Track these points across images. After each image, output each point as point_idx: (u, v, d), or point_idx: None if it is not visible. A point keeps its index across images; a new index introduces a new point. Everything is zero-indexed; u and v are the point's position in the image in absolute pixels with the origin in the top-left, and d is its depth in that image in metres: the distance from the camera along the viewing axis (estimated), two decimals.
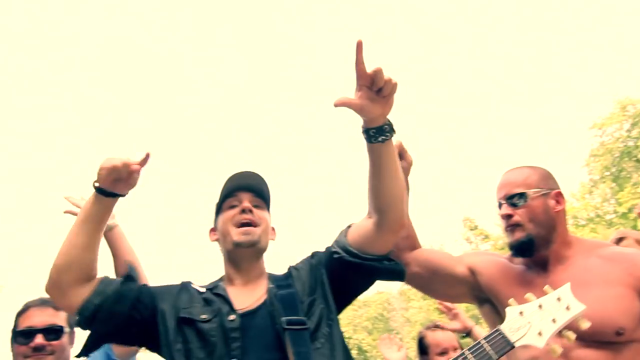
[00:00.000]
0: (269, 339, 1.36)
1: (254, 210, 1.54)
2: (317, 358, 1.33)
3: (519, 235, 1.58)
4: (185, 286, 1.53)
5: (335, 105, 1.23)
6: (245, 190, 1.56)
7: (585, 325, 1.25)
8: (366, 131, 1.30)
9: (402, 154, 1.68)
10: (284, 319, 1.36)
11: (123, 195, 1.42)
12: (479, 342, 1.26)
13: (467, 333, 2.51)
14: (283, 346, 1.33)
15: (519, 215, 1.59)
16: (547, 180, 1.65)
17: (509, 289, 1.56)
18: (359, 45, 1.17)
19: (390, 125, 1.30)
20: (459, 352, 2.32)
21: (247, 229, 1.50)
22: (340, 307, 1.49)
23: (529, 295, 1.30)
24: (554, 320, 1.23)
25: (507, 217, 1.60)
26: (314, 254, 1.56)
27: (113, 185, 1.38)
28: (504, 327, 1.25)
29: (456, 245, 27.98)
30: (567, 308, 1.24)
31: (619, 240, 2.54)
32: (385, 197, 1.36)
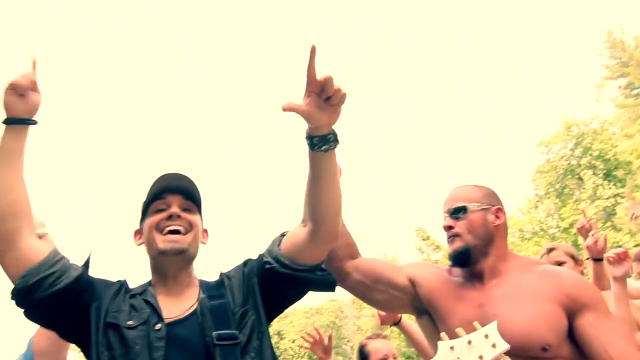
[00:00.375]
0: (196, 351, 1.32)
1: (183, 215, 1.46)
2: None
3: (457, 245, 1.63)
4: (120, 287, 1.46)
5: (283, 110, 1.21)
6: (175, 193, 1.48)
7: None
8: (310, 138, 1.28)
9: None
10: (214, 333, 1.32)
11: (35, 122, 1.34)
12: None
13: (397, 322, 2.61)
14: (210, 358, 1.29)
15: (458, 227, 1.64)
16: (489, 197, 1.71)
17: (446, 301, 1.61)
18: (313, 51, 1.16)
19: (334, 135, 1.29)
20: None
21: (174, 237, 1.42)
22: (271, 318, 1.46)
23: (459, 330, 1.34)
24: (480, 357, 1.29)
25: (448, 228, 1.66)
26: (246, 262, 1.51)
27: (21, 107, 1.31)
28: None
29: (409, 254, 28.56)
30: (493, 346, 1.30)
31: (550, 251, 2.67)
32: (322, 207, 1.34)
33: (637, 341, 1.65)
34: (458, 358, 1.29)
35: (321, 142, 1.28)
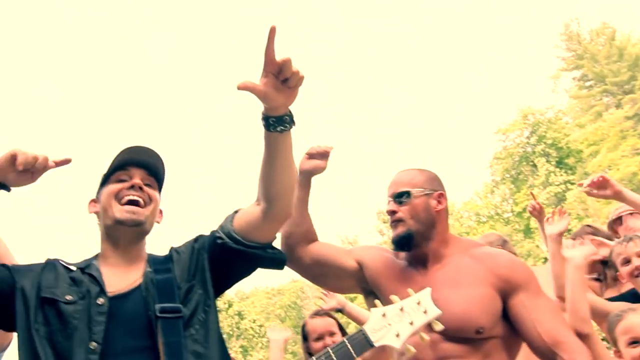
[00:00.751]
0: (138, 325, 1.30)
1: (145, 188, 1.44)
2: (190, 344, 1.30)
3: (400, 230, 1.67)
4: (52, 264, 1.42)
5: (238, 88, 1.20)
6: (139, 166, 1.46)
7: (438, 328, 1.32)
8: (266, 119, 1.27)
9: (325, 156, 1.77)
10: (157, 306, 1.30)
11: (8, 190, 1.36)
12: (343, 341, 1.30)
13: (341, 309, 2.67)
14: (153, 334, 1.28)
15: (402, 212, 1.68)
16: (432, 182, 1.74)
17: (390, 283, 1.66)
18: (272, 31, 1.15)
19: (290, 116, 1.28)
20: (335, 337, 2.39)
21: (133, 208, 1.40)
22: (219, 293, 1.46)
23: (393, 297, 1.35)
24: (411, 323, 1.30)
25: (392, 213, 1.70)
26: (197, 238, 1.49)
27: (11, 176, 1.32)
28: (367, 328, 1.31)
29: (370, 236, 29.08)
30: (425, 312, 1.31)
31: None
32: (276, 187, 1.35)
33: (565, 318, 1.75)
34: (389, 324, 1.30)
35: (277, 123, 1.27)
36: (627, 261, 2.00)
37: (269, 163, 1.34)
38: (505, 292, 1.59)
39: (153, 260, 1.46)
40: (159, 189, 1.51)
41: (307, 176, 1.78)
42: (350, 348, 1.28)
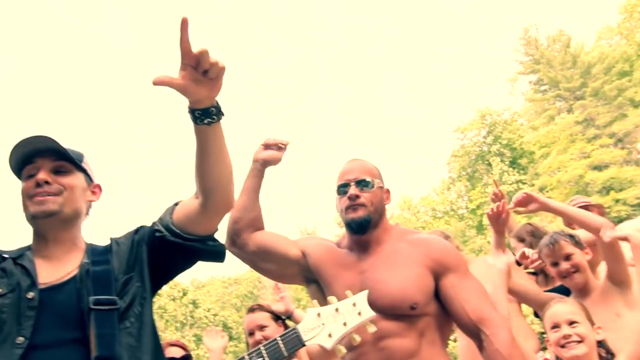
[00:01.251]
0: (70, 317, 1.27)
1: (53, 178, 1.39)
2: (123, 337, 1.28)
3: (362, 213, 1.75)
4: None
5: (154, 84, 1.15)
6: (45, 154, 1.40)
7: (371, 330, 1.36)
8: (191, 112, 1.24)
9: (282, 148, 1.82)
10: (92, 298, 1.28)
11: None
12: (275, 339, 1.32)
13: (289, 316, 2.65)
14: (85, 326, 1.26)
15: (364, 198, 1.77)
16: (381, 177, 1.88)
17: (331, 269, 1.76)
18: (184, 23, 1.12)
19: (217, 108, 1.25)
20: (266, 330, 2.42)
21: (42, 199, 1.36)
22: (158, 286, 1.45)
23: (330, 297, 1.40)
24: (345, 324, 1.33)
25: (355, 197, 1.77)
26: (138, 229, 1.47)
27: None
28: (300, 327, 1.33)
29: (329, 228, 29.34)
30: (359, 314, 1.34)
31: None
32: (211, 179, 1.33)
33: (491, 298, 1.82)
34: (323, 324, 1.33)
35: (203, 116, 1.24)
36: (555, 264, 2.13)
37: (201, 156, 1.31)
38: (438, 273, 1.71)
39: (92, 251, 1.43)
40: (78, 167, 1.46)
41: (261, 166, 1.82)
42: (281, 346, 1.30)
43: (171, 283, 30.47)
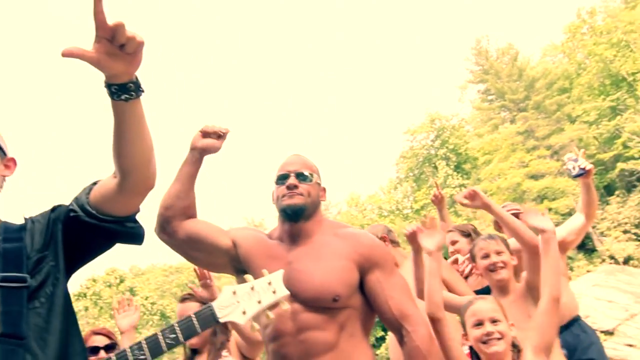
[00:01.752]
0: None
1: None
2: (31, 317, 1.24)
3: (299, 200, 1.78)
4: None
5: (63, 55, 1.09)
6: None
7: (285, 307, 1.37)
8: (108, 86, 1.19)
9: (221, 137, 1.79)
10: (0, 274, 1.25)
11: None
12: (190, 316, 1.31)
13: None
14: None
15: (303, 189, 1.81)
16: (320, 175, 1.91)
17: (260, 260, 1.75)
18: None
19: (136, 84, 1.20)
20: None
21: None
22: (74, 267, 1.40)
23: (247, 276, 1.40)
24: (259, 302, 1.34)
25: (294, 186, 1.80)
26: (55, 207, 1.42)
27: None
28: (215, 304, 1.33)
29: (276, 220, 29.27)
30: (274, 292, 1.36)
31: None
32: (129, 158, 1.28)
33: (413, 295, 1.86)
34: (238, 302, 1.33)
35: (120, 91, 1.19)
36: (486, 256, 2.27)
37: (118, 134, 1.26)
38: (364, 268, 1.74)
39: (5, 229, 1.39)
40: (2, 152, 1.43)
41: (198, 154, 1.79)
42: (195, 322, 1.29)
43: (108, 269, 29.44)
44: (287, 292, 1.37)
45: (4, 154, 1.45)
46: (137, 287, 28.30)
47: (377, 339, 22.01)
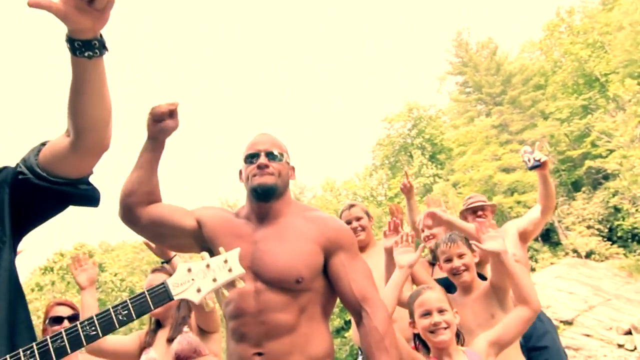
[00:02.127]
0: None
1: None
2: None
3: (270, 180, 1.78)
4: None
5: (29, 5, 1.07)
6: None
7: (240, 285, 1.36)
8: (70, 41, 1.15)
9: (173, 115, 1.71)
10: None
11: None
12: (143, 293, 1.29)
13: (168, 261, 2.65)
14: None
15: (273, 168, 1.80)
16: (288, 154, 1.91)
17: (226, 239, 1.74)
18: None
19: (101, 42, 1.17)
20: None
21: None
22: (24, 231, 1.36)
23: (203, 253, 1.38)
24: (214, 280, 1.33)
25: (265, 166, 1.79)
26: (1, 170, 1.36)
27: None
28: (169, 281, 1.32)
29: None
30: (229, 270, 1.35)
31: (351, 207, 3.10)
32: (86, 118, 1.23)
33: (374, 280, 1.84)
34: (193, 279, 1.33)
35: (84, 48, 1.15)
36: (448, 260, 2.31)
37: (77, 92, 1.21)
38: (329, 251, 1.75)
39: None
40: None
41: (158, 139, 1.73)
42: (148, 300, 1.28)
43: (76, 244, 28.92)
44: (243, 271, 1.36)
45: None
46: (107, 263, 27.95)
47: (345, 322, 22.36)
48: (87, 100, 1.21)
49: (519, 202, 22.57)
